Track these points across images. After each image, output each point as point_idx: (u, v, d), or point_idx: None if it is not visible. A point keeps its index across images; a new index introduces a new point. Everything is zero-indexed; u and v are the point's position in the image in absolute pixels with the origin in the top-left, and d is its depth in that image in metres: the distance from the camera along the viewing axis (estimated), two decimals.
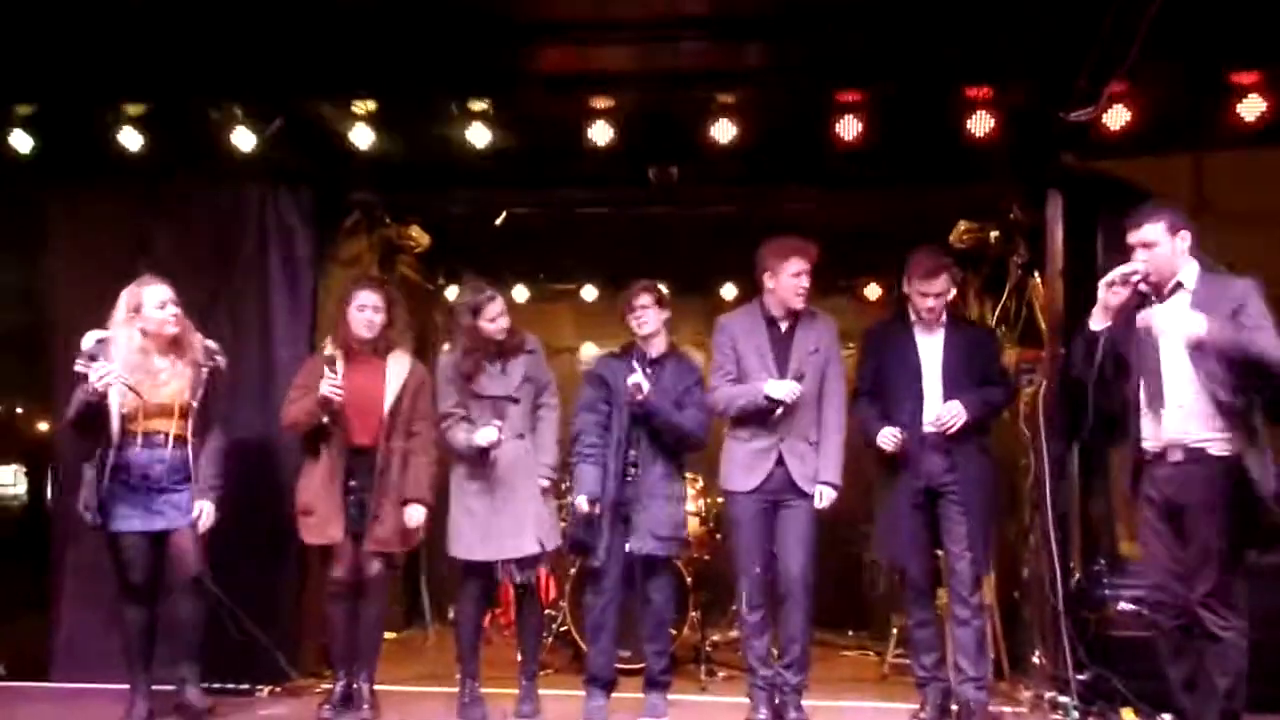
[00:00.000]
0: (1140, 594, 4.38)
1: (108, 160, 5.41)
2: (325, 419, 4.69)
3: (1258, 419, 3.83)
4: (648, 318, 4.88)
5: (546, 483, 4.83)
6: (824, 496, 4.65)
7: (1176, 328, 3.86)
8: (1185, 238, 3.97)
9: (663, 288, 5.00)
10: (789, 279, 4.68)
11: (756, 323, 4.78)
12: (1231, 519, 3.80)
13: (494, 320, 4.82)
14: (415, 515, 4.79)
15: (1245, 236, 4.92)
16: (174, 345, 4.57)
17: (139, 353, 4.48)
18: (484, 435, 4.71)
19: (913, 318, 4.74)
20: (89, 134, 5.38)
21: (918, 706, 4.78)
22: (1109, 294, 4.00)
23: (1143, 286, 3.98)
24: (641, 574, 4.83)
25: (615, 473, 4.78)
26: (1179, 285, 3.98)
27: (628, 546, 4.77)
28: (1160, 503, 3.97)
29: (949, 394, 4.61)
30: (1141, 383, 3.98)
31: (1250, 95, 4.80)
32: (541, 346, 5.05)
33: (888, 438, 4.61)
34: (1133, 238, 3.99)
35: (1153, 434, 3.96)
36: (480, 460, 4.77)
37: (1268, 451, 3.81)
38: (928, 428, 4.60)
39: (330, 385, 4.63)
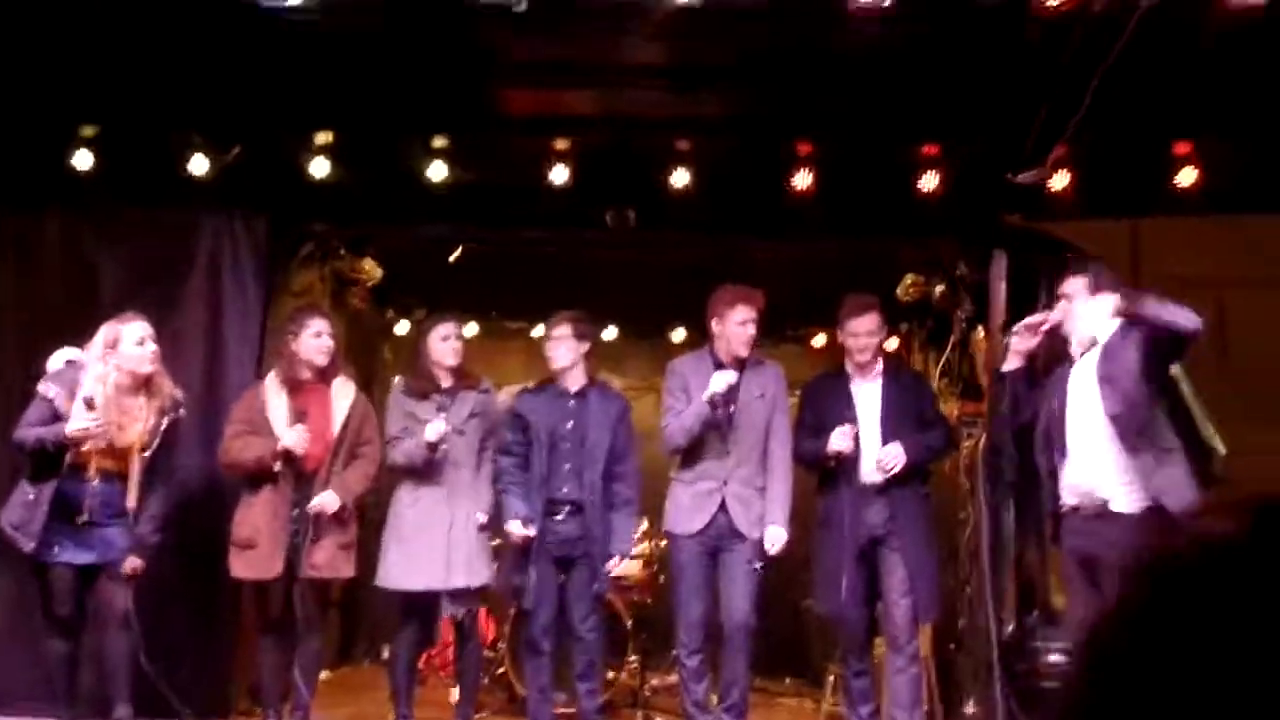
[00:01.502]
0: (1068, 646, 4.47)
1: (59, 182, 5.33)
2: (269, 467, 4.63)
3: (1169, 439, 3.91)
4: (560, 351, 4.88)
5: (483, 518, 4.82)
6: (774, 540, 4.68)
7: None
8: (1106, 299, 4.05)
9: (574, 324, 4.94)
10: (735, 326, 4.75)
11: (706, 366, 4.84)
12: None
13: (446, 340, 4.85)
14: (326, 499, 4.63)
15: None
16: (145, 385, 4.51)
17: (113, 389, 4.42)
18: (432, 429, 4.69)
19: (849, 368, 4.82)
20: (40, 155, 5.30)
21: None
22: (1018, 339, 4.16)
23: (1072, 345, 4.10)
24: (575, 612, 4.82)
25: (538, 512, 4.76)
26: (1094, 342, 4.07)
27: (595, 587, 4.76)
28: (1076, 555, 4.05)
29: (887, 443, 4.67)
30: (1051, 436, 4.09)
31: (1187, 165, 4.99)
32: (494, 389, 5.08)
33: (840, 437, 4.59)
34: (1059, 290, 4.17)
35: (1068, 487, 4.05)
36: (427, 470, 4.75)
37: (1183, 465, 3.88)
38: (866, 478, 4.65)
39: (300, 437, 4.58)
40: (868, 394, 4.77)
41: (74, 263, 5.41)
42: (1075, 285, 4.11)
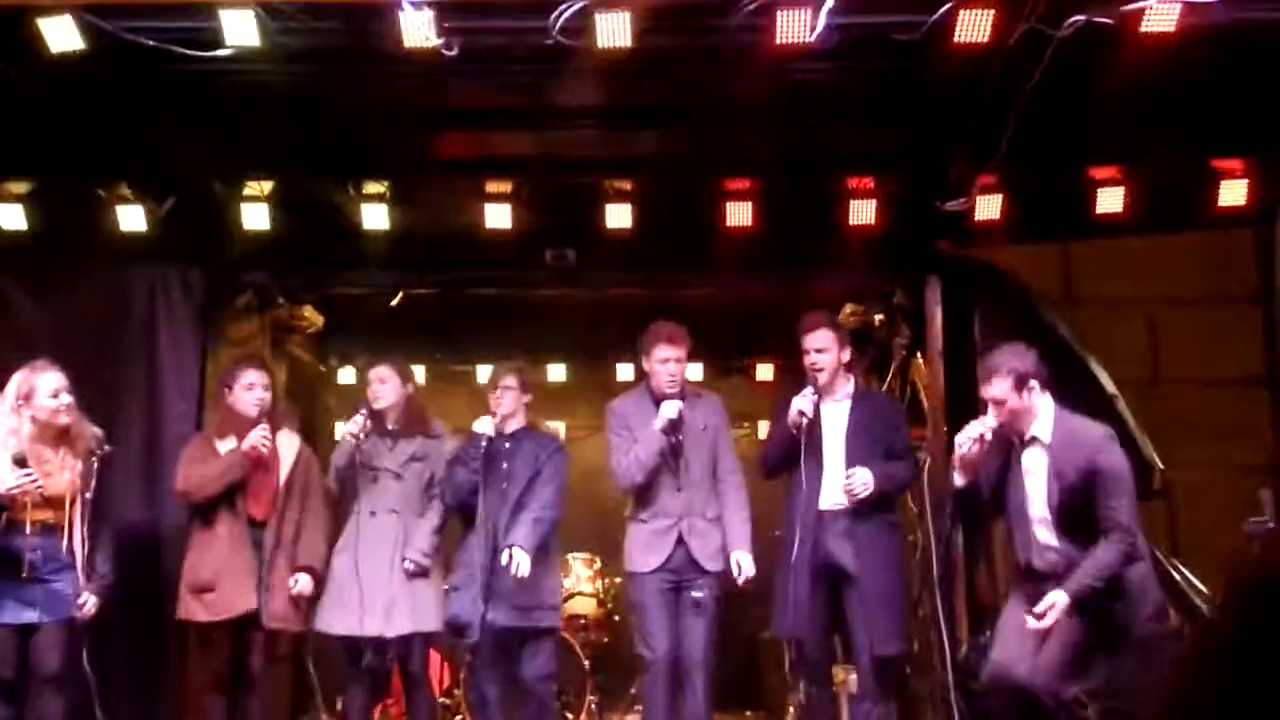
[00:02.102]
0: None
1: None
2: (238, 477, 4.60)
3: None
4: (506, 399, 4.88)
5: (413, 566, 4.77)
6: (742, 565, 4.67)
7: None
8: (1033, 386, 3.99)
9: (519, 374, 4.99)
10: (657, 365, 4.77)
11: (645, 404, 4.83)
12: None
13: (370, 385, 4.90)
14: (304, 582, 4.66)
15: (1110, 321, 5.23)
16: (64, 436, 4.39)
17: (29, 442, 4.30)
18: (350, 425, 4.75)
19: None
20: None
21: None
22: (962, 451, 4.08)
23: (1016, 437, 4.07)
24: (517, 656, 4.77)
25: (487, 549, 4.68)
26: (1035, 439, 4.01)
27: (487, 617, 4.69)
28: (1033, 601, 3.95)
29: (850, 467, 4.62)
30: (1014, 529, 4.06)
31: (1110, 188, 5.09)
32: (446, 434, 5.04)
33: (802, 399, 4.58)
34: (984, 392, 4.08)
35: (1039, 560, 4.00)
36: (355, 470, 4.79)
37: (1139, 565, 3.85)
38: (826, 504, 4.63)
39: (261, 434, 4.58)
40: (834, 415, 4.73)
41: (6, 321, 5.32)
42: (1002, 389, 3.99)
